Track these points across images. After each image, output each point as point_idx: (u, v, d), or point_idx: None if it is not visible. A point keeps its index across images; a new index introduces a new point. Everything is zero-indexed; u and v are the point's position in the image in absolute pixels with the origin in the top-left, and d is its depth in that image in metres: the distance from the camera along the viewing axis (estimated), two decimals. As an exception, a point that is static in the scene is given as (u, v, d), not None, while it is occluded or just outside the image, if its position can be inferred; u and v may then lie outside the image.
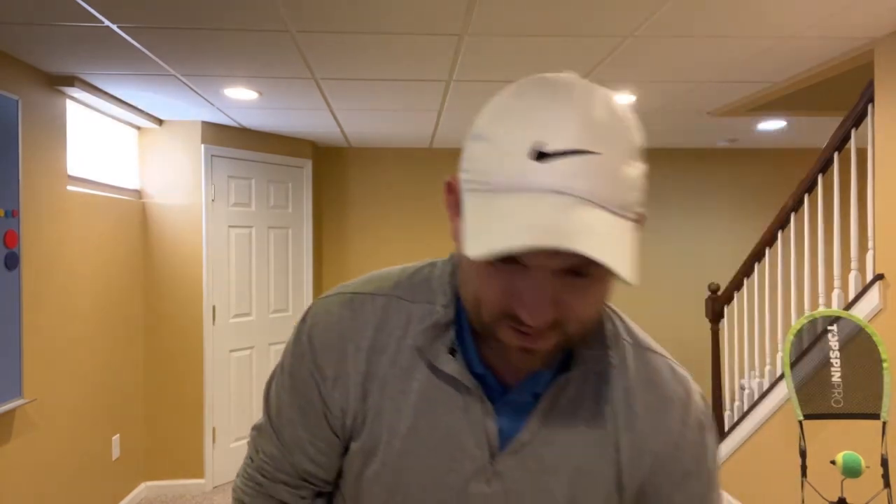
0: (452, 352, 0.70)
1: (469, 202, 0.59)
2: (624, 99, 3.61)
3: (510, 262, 0.58)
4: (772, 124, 4.43)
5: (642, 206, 0.60)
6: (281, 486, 0.80)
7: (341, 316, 0.74)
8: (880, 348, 2.36)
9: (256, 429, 0.84)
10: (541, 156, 0.55)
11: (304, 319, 0.77)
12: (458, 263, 0.70)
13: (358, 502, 0.76)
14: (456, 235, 0.65)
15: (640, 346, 0.75)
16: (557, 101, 0.57)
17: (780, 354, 3.41)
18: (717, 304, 4.18)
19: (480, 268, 0.60)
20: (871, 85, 2.77)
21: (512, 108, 0.59)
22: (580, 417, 0.71)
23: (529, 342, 0.62)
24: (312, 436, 0.76)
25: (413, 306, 0.73)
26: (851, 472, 2.23)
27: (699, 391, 0.77)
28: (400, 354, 0.72)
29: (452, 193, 0.66)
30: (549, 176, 0.54)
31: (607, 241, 0.54)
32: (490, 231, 0.55)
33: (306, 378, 0.75)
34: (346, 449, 0.76)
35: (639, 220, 0.60)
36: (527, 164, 0.55)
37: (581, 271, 0.58)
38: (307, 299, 4.95)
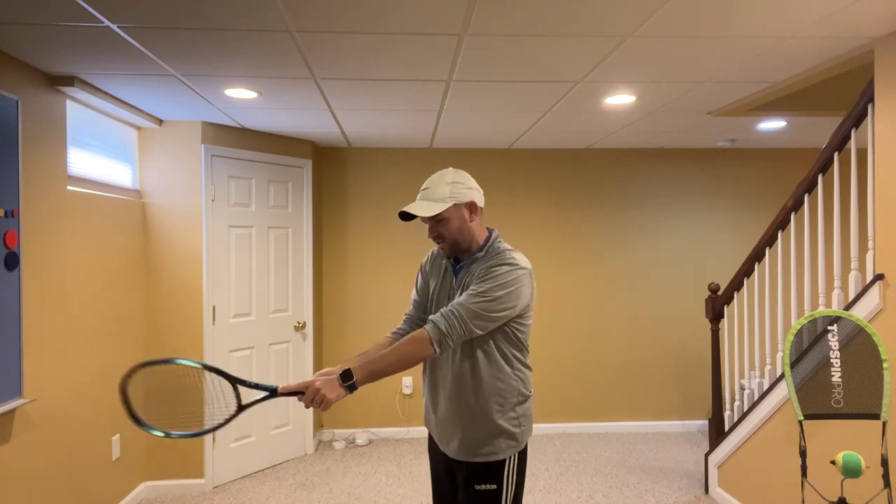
0: (450, 261, 2.16)
1: None
2: (624, 99, 3.61)
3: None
4: (772, 124, 4.43)
5: (452, 200, 2.00)
6: (411, 311, 2.31)
7: (428, 256, 2.29)
8: (880, 348, 2.36)
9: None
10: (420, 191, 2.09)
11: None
12: None
13: (433, 304, 2.17)
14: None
15: (498, 251, 2.05)
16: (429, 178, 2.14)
17: (780, 354, 3.41)
18: (717, 304, 4.18)
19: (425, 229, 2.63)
20: (871, 85, 2.77)
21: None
22: (470, 269, 2.05)
23: (439, 242, 2.08)
24: (417, 288, 2.28)
25: (439, 251, 2.22)
26: (851, 472, 2.23)
27: (514, 262, 1.98)
28: (435, 263, 2.22)
29: None
30: (419, 193, 2.08)
31: (422, 207, 2.00)
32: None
33: (418, 272, 2.30)
34: (427, 290, 2.24)
35: (454, 203, 2.01)
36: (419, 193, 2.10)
37: (437, 219, 2.01)
38: (307, 299, 4.95)
